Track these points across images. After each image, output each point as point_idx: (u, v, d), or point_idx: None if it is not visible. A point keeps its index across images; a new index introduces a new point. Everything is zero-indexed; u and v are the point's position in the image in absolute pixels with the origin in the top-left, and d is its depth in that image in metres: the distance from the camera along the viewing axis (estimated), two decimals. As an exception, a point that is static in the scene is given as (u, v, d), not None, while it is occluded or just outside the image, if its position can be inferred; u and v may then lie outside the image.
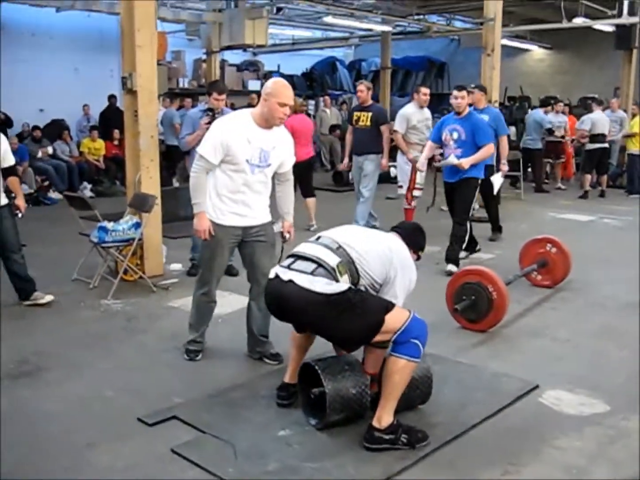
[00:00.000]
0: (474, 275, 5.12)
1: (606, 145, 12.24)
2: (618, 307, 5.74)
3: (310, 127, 8.77)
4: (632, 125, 12.71)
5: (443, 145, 6.97)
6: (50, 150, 12.27)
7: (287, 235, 4.50)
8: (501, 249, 7.77)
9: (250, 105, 6.71)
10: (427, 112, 8.63)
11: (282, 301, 3.36)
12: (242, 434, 3.47)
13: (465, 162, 6.61)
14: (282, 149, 4.31)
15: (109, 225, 5.99)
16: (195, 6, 14.86)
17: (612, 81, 16.92)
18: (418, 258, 3.79)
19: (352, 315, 3.20)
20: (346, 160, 8.63)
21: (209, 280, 4.45)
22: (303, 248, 3.47)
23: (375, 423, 3.32)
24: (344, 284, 3.25)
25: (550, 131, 12.74)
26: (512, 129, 15.35)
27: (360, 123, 8.11)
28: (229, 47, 14.45)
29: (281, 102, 4.04)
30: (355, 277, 3.34)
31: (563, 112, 13.57)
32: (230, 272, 6.22)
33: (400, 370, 3.25)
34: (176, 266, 6.81)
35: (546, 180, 14.25)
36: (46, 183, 11.75)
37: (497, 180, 8.17)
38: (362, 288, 3.38)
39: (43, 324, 5.23)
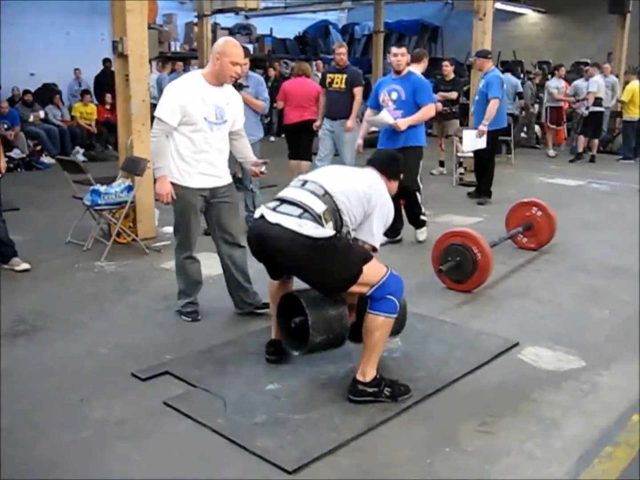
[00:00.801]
0: (459, 237, 5.23)
1: (601, 109, 12.36)
2: (601, 270, 5.87)
3: (309, 90, 8.44)
4: (626, 92, 12.74)
5: (381, 108, 6.34)
6: (42, 114, 12.25)
7: (262, 167, 4.55)
8: (488, 212, 7.89)
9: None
10: None
11: (267, 241, 3.41)
12: (232, 387, 3.61)
13: (402, 123, 6.07)
14: (234, 106, 4.44)
15: (102, 188, 6.07)
16: (187, -32, 14.74)
17: (606, 46, 16.89)
18: (400, 185, 3.89)
19: (335, 262, 3.30)
20: (319, 122, 8.17)
21: (189, 244, 4.56)
22: (289, 193, 3.51)
23: (359, 377, 3.45)
24: (330, 230, 3.33)
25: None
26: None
27: (335, 85, 7.78)
28: (220, 11, 14.34)
29: (233, 61, 4.20)
30: (339, 224, 3.42)
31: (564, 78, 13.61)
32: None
33: (380, 327, 3.37)
34: (168, 229, 6.86)
35: (537, 145, 14.37)
36: (38, 147, 11.78)
37: (467, 135, 8.33)
38: (344, 233, 3.46)
39: (38, 285, 5.34)
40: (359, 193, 3.50)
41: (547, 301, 5.10)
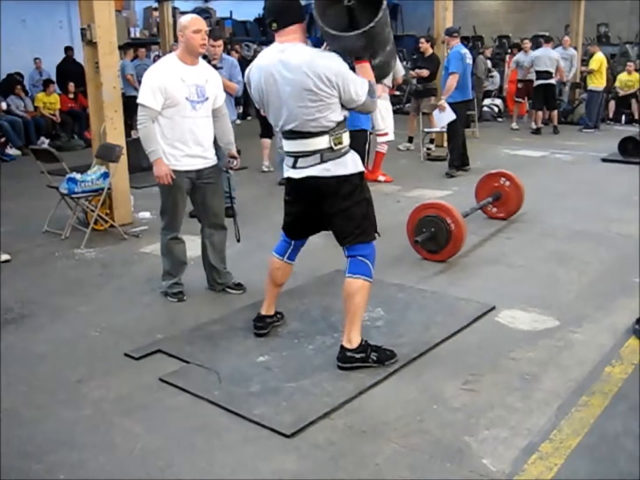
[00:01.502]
0: (433, 208, 5.40)
1: (550, 81, 12.43)
2: (568, 235, 6.11)
3: None
4: (590, 62, 13.00)
5: None
6: (4, 106, 12.10)
7: (235, 162, 4.72)
8: (458, 185, 8.08)
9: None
10: None
11: (307, 194, 3.64)
12: (224, 361, 3.74)
13: None
14: (214, 83, 4.55)
15: (78, 176, 6.11)
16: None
17: (563, 18, 17.16)
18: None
19: (361, 191, 3.61)
20: None
21: (176, 225, 4.67)
22: (293, 147, 3.60)
23: (346, 344, 3.61)
24: (351, 166, 3.56)
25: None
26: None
27: None
28: (180, -5, 14.30)
29: (195, 29, 4.31)
30: (341, 131, 3.56)
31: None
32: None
33: (359, 291, 3.56)
34: (145, 214, 6.97)
35: (499, 119, 14.63)
36: (3, 139, 11.64)
37: (435, 114, 8.93)
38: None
39: (21, 275, 5.38)
40: (318, 93, 3.38)
41: (519, 266, 5.31)
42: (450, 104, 8.56)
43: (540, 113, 12.71)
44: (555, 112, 12.86)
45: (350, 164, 3.58)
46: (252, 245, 5.90)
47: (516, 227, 6.38)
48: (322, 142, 3.51)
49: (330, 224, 3.69)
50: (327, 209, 3.62)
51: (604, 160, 9.74)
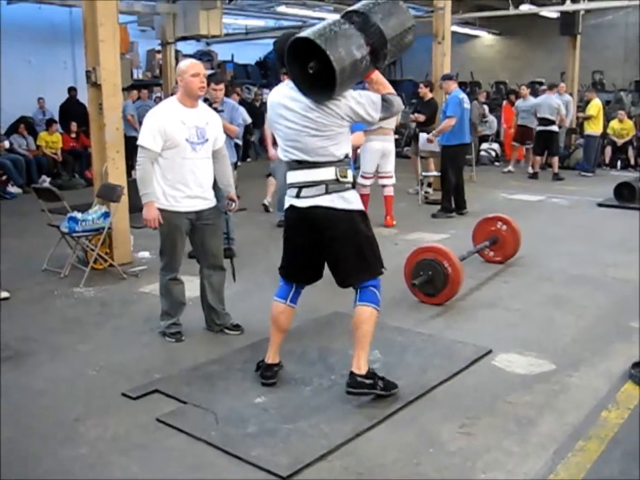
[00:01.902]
0: (430, 252, 5.45)
1: (551, 128, 12.54)
2: (564, 279, 6.15)
3: None
4: (588, 108, 13.21)
5: None
6: (7, 144, 12.25)
7: (233, 205, 4.81)
8: (455, 228, 8.14)
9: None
10: None
11: (310, 225, 3.68)
12: (221, 402, 3.74)
13: None
14: (214, 125, 4.64)
15: (79, 215, 6.17)
16: (149, -3, 14.90)
17: (559, 66, 17.48)
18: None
19: (365, 227, 3.72)
20: (273, 150, 7.82)
21: (175, 265, 4.72)
22: (299, 177, 3.66)
23: (355, 370, 3.67)
24: (355, 202, 3.67)
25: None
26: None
27: None
28: (183, 38, 14.55)
29: (194, 73, 4.41)
30: (347, 166, 3.67)
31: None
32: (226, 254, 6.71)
33: (368, 320, 3.67)
34: (144, 254, 7.01)
35: (496, 163, 14.81)
36: (4, 177, 11.74)
37: (421, 136, 10.01)
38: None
39: (20, 312, 5.39)
40: (326, 123, 3.54)
41: (515, 310, 5.34)
42: (447, 147, 8.83)
43: (538, 158, 12.85)
44: (556, 159, 12.86)
45: (354, 200, 3.69)
46: (250, 286, 5.95)
47: (513, 271, 6.43)
48: (328, 173, 3.61)
49: (335, 261, 3.73)
50: (328, 242, 3.67)
51: (600, 205, 9.84)
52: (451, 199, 9.14)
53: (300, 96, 3.57)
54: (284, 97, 3.67)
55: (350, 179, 3.67)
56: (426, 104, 10.70)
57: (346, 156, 3.68)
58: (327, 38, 3.36)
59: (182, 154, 4.43)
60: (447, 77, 9.28)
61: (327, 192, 3.60)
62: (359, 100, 3.58)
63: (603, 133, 14.11)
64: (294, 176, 3.70)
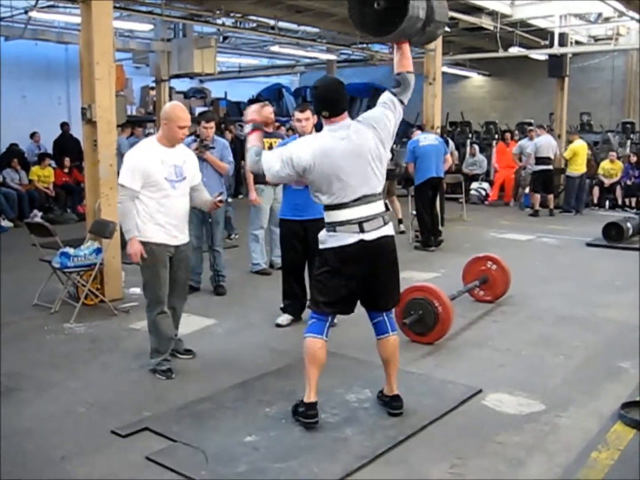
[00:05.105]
0: (421, 291, 5.48)
1: (550, 167, 12.96)
2: (554, 319, 6.18)
3: None
4: (568, 151, 13.39)
5: None
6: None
7: (220, 197, 4.96)
8: (445, 267, 8.19)
9: (194, 133, 6.95)
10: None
11: (375, 255, 3.88)
12: (212, 441, 3.73)
13: None
14: (190, 162, 4.86)
15: (71, 250, 6.17)
16: (143, 35, 15.11)
17: (548, 106, 17.75)
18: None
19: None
20: (253, 194, 7.52)
21: (161, 298, 4.76)
22: (360, 212, 3.83)
23: (396, 392, 4.09)
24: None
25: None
26: (455, 153, 16.02)
27: None
28: (177, 76, 14.72)
29: (180, 125, 4.61)
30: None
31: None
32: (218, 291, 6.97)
33: (397, 346, 4.12)
34: (135, 290, 6.98)
35: (486, 202, 14.95)
36: (-4, 211, 11.76)
37: None
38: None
39: (8, 347, 5.35)
40: (382, 158, 3.92)
41: (505, 350, 5.36)
42: (415, 187, 9.69)
43: (538, 196, 13.05)
44: (551, 196, 13.20)
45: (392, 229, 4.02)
46: (241, 324, 5.96)
47: (503, 310, 6.46)
48: (381, 205, 3.93)
49: (384, 284, 4.00)
50: (383, 269, 3.95)
51: (589, 244, 9.92)
52: (429, 235, 9.62)
53: (363, 132, 3.85)
54: (335, 140, 3.83)
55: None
56: None
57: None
58: None
59: (162, 191, 4.61)
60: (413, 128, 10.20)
61: (384, 223, 3.90)
62: (384, 100, 3.95)
63: (592, 173, 14.33)
64: (351, 213, 3.83)
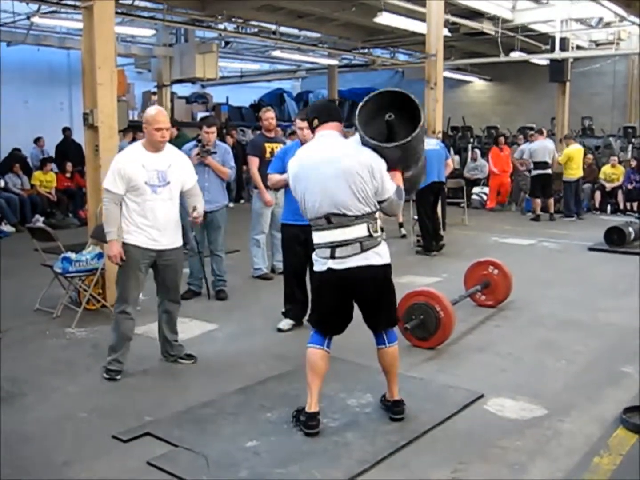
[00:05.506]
0: (422, 296, 5.47)
1: (547, 171, 12.94)
2: (555, 323, 6.17)
3: None
4: (562, 156, 13.37)
5: None
6: (1, 183, 12.30)
7: (196, 213, 4.93)
8: (447, 272, 8.18)
9: (196, 138, 6.99)
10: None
11: (347, 286, 3.80)
12: (213, 446, 3.72)
13: None
14: (179, 167, 4.85)
15: (73, 255, 6.18)
16: (145, 40, 15.16)
17: (549, 111, 17.78)
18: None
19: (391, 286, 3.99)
20: (267, 195, 7.40)
21: (127, 298, 4.81)
22: (330, 237, 3.72)
23: (397, 397, 4.07)
24: (386, 256, 3.83)
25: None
26: (456, 157, 16.07)
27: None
28: (179, 81, 14.77)
29: (157, 128, 4.65)
30: (376, 219, 3.79)
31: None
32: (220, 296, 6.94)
33: (397, 355, 4.09)
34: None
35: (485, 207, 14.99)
36: (-2, 216, 11.78)
37: None
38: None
39: (10, 352, 5.35)
40: (364, 182, 3.68)
41: (507, 354, 5.35)
42: (418, 191, 9.33)
43: (538, 201, 13.07)
44: (551, 200, 13.20)
45: (385, 253, 3.82)
46: (242, 329, 5.96)
47: (504, 315, 6.45)
48: (362, 230, 3.70)
49: (371, 310, 3.95)
50: (368, 298, 3.89)
51: (591, 249, 9.92)
52: (431, 239, 9.57)
53: (340, 148, 3.76)
54: (319, 149, 3.82)
55: (381, 231, 3.80)
56: None
57: (377, 210, 3.78)
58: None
59: (143, 195, 4.67)
60: None
61: (362, 250, 3.71)
62: (387, 174, 3.74)
63: (594, 178, 14.34)
64: (323, 236, 3.76)
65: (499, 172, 14.66)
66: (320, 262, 3.81)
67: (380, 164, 3.70)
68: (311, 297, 4.20)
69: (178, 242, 4.91)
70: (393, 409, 4.05)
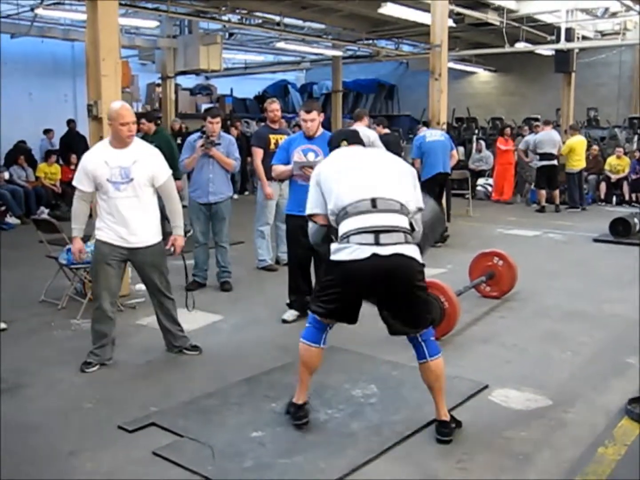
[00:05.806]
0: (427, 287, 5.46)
1: (553, 162, 12.88)
2: (561, 315, 6.17)
3: None
4: (564, 147, 13.31)
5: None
6: (6, 175, 12.32)
7: (172, 249, 4.90)
8: (452, 263, 8.17)
9: (200, 129, 6.99)
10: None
11: (387, 275, 3.49)
12: (218, 436, 3.73)
13: None
14: (145, 163, 4.70)
15: (78, 247, 6.17)
16: (149, 32, 15.13)
17: (554, 102, 17.71)
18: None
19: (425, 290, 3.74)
20: (268, 188, 7.38)
21: (99, 294, 4.82)
22: (375, 220, 3.51)
23: (445, 418, 3.74)
24: (419, 255, 3.63)
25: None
26: (461, 149, 16.03)
27: None
28: (183, 72, 14.75)
29: (123, 122, 4.59)
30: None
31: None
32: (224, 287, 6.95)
33: (442, 368, 3.77)
34: (141, 286, 6.94)
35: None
36: (3, 208, 11.79)
37: None
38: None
39: (16, 344, 5.38)
40: (407, 180, 3.81)
41: (512, 345, 5.35)
42: (422, 182, 9.21)
43: (543, 192, 13.03)
44: (557, 192, 13.15)
45: (419, 253, 3.62)
46: (247, 320, 5.96)
47: (509, 306, 6.45)
48: (405, 221, 3.59)
49: (404, 305, 3.63)
50: (405, 290, 3.58)
51: (596, 240, 9.90)
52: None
53: (383, 152, 4.18)
54: (363, 150, 4.07)
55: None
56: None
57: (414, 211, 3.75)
58: None
59: (107, 193, 4.67)
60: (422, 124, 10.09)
61: (406, 241, 3.52)
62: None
63: (600, 169, 14.28)
64: (368, 219, 3.51)
65: (499, 165, 14.50)
66: (358, 249, 3.47)
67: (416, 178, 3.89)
68: (321, 286, 3.87)
69: (153, 239, 4.80)
70: (439, 429, 3.73)
